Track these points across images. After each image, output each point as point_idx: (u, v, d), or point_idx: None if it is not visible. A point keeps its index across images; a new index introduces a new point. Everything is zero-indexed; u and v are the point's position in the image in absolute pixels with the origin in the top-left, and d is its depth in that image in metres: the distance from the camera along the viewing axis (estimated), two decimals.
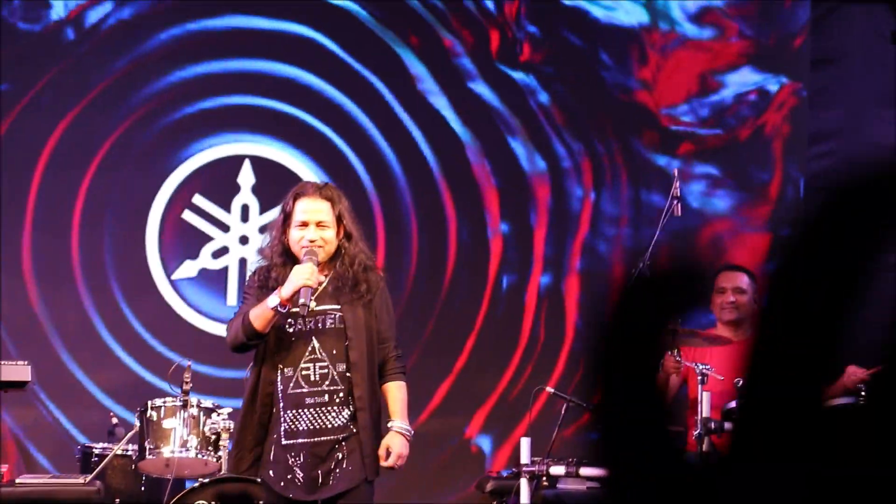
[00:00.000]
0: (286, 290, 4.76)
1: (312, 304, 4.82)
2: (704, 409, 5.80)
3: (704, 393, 5.85)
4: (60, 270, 7.90)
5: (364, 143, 8.30)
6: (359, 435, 4.81)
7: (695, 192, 8.40)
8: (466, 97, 8.38)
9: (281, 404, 4.83)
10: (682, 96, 8.50)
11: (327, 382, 4.83)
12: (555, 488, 6.91)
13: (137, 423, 6.47)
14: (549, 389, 7.20)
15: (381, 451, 4.86)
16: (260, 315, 4.80)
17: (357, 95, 8.28)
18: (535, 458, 6.61)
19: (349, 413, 4.82)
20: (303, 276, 4.78)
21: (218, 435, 6.45)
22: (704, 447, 5.76)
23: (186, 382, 6.59)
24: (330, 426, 4.81)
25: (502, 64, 8.43)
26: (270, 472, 4.83)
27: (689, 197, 8.07)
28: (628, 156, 8.46)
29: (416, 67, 8.35)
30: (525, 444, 6.66)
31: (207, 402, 6.52)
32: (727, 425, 5.84)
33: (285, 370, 4.85)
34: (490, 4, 8.43)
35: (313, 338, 4.86)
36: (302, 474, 4.80)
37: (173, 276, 8.06)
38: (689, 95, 8.51)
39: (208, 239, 8.14)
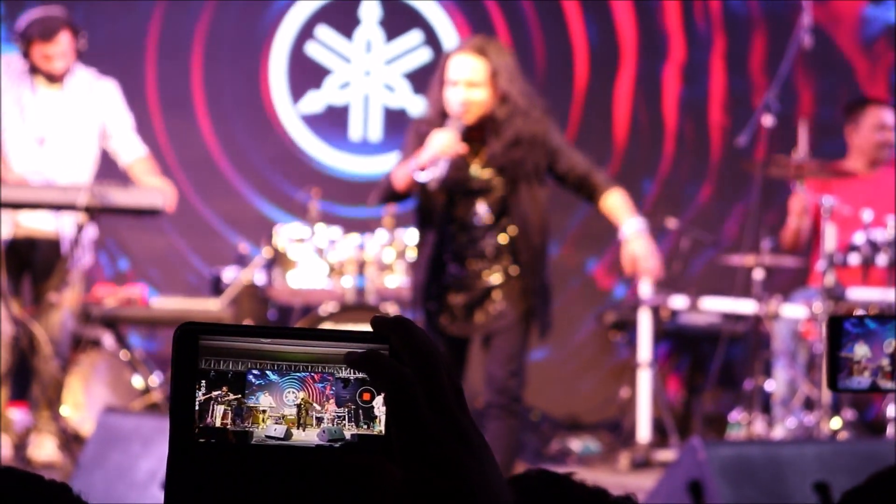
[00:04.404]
0: (423, 157, 4.69)
1: (477, 171, 4.79)
2: (829, 242, 5.76)
3: (829, 226, 5.80)
4: (182, 100, 8.03)
5: None
6: (515, 284, 4.84)
7: None
8: None
9: (445, 255, 4.88)
10: None
11: (487, 241, 4.84)
12: (675, 320, 6.96)
13: (265, 252, 6.64)
14: (673, 223, 7.20)
15: (625, 263, 4.82)
16: (401, 176, 4.79)
17: None
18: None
19: (506, 267, 4.84)
20: (439, 144, 4.66)
21: (343, 265, 6.60)
22: (827, 281, 5.74)
23: (312, 213, 6.73)
24: (488, 277, 4.85)
25: None
26: (430, 308, 4.92)
27: None
28: None
29: None
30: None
31: (333, 233, 6.66)
32: (851, 258, 5.80)
33: (450, 226, 4.86)
34: None
35: (478, 199, 4.83)
36: (459, 314, 4.88)
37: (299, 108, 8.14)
38: None
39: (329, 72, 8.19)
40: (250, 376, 0.97)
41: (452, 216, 4.84)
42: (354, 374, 0.97)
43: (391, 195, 4.89)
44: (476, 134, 4.77)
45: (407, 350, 0.94)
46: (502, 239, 4.83)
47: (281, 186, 8.00)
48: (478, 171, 4.80)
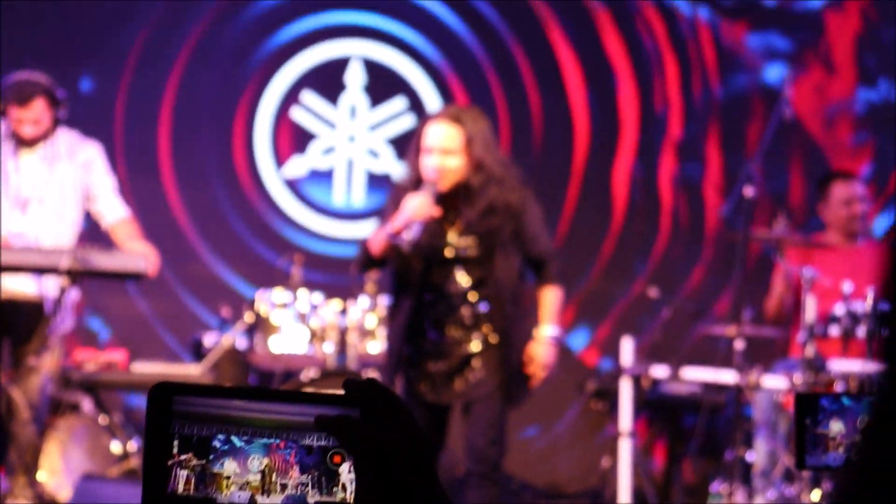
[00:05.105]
0: (397, 221, 4.77)
1: (455, 238, 4.84)
2: (809, 314, 5.78)
3: (809, 297, 5.82)
4: (155, 164, 8.06)
5: (464, 55, 8.29)
6: (494, 352, 4.87)
7: None
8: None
9: (424, 322, 4.91)
10: None
11: (466, 309, 4.88)
12: (656, 389, 6.95)
13: (247, 317, 6.63)
14: (654, 291, 7.21)
15: (525, 358, 4.92)
16: (376, 241, 4.87)
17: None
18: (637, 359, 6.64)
19: (486, 335, 4.87)
20: (412, 208, 4.74)
21: (325, 330, 6.59)
22: (808, 352, 5.75)
23: (295, 278, 6.73)
24: (467, 345, 4.87)
25: None
26: (409, 375, 4.94)
27: None
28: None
29: None
30: (627, 344, 6.70)
31: (316, 298, 6.65)
32: (832, 330, 5.81)
33: (426, 293, 4.91)
34: None
35: (456, 267, 4.88)
36: (439, 381, 4.89)
37: (282, 173, 8.17)
38: None
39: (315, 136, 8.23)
40: (216, 441, 0.97)
41: (430, 283, 4.87)
42: (318, 441, 0.97)
43: (370, 261, 4.93)
44: (452, 201, 4.82)
45: (379, 414, 0.95)
46: (480, 307, 4.85)
47: (263, 251, 8.01)
48: (455, 238, 4.84)
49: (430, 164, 4.79)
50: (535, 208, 4.94)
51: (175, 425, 0.99)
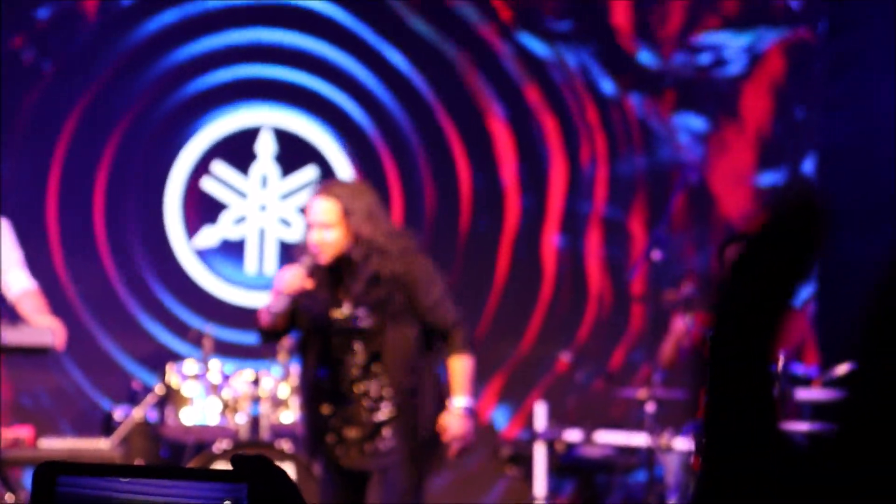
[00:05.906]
0: (271, 294, 4.95)
1: (345, 310, 4.90)
2: None
3: None
4: (85, 239, 7.97)
5: (381, 113, 8.33)
6: (402, 420, 4.89)
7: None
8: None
9: (325, 395, 4.94)
10: None
11: (367, 380, 4.91)
12: (570, 453, 6.97)
13: (158, 389, 6.56)
14: (567, 356, 7.26)
15: (440, 430, 4.93)
16: (263, 312, 5.01)
17: (372, 65, 8.31)
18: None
19: (392, 404, 4.89)
20: (281, 282, 4.91)
21: (237, 400, 6.54)
22: None
23: (206, 348, 6.68)
24: (376, 413, 4.89)
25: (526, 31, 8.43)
26: (327, 443, 4.96)
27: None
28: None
29: (427, 34, 8.36)
30: (540, 409, 6.73)
31: (227, 368, 6.61)
32: None
33: (328, 364, 4.96)
34: None
35: (354, 339, 4.93)
36: (353, 448, 4.90)
37: (193, 244, 8.12)
38: None
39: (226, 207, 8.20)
40: None
41: (330, 355, 4.93)
42: None
43: (263, 334, 5.04)
44: (340, 274, 4.91)
45: (266, 490, 0.95)
46: (380, 378, 4.89)
47: (175, 322, 7.93)
48: (348, 310, 4.89)
49: (310, 237, 4.90)
50: (430, 278, 4.95)
51: None
